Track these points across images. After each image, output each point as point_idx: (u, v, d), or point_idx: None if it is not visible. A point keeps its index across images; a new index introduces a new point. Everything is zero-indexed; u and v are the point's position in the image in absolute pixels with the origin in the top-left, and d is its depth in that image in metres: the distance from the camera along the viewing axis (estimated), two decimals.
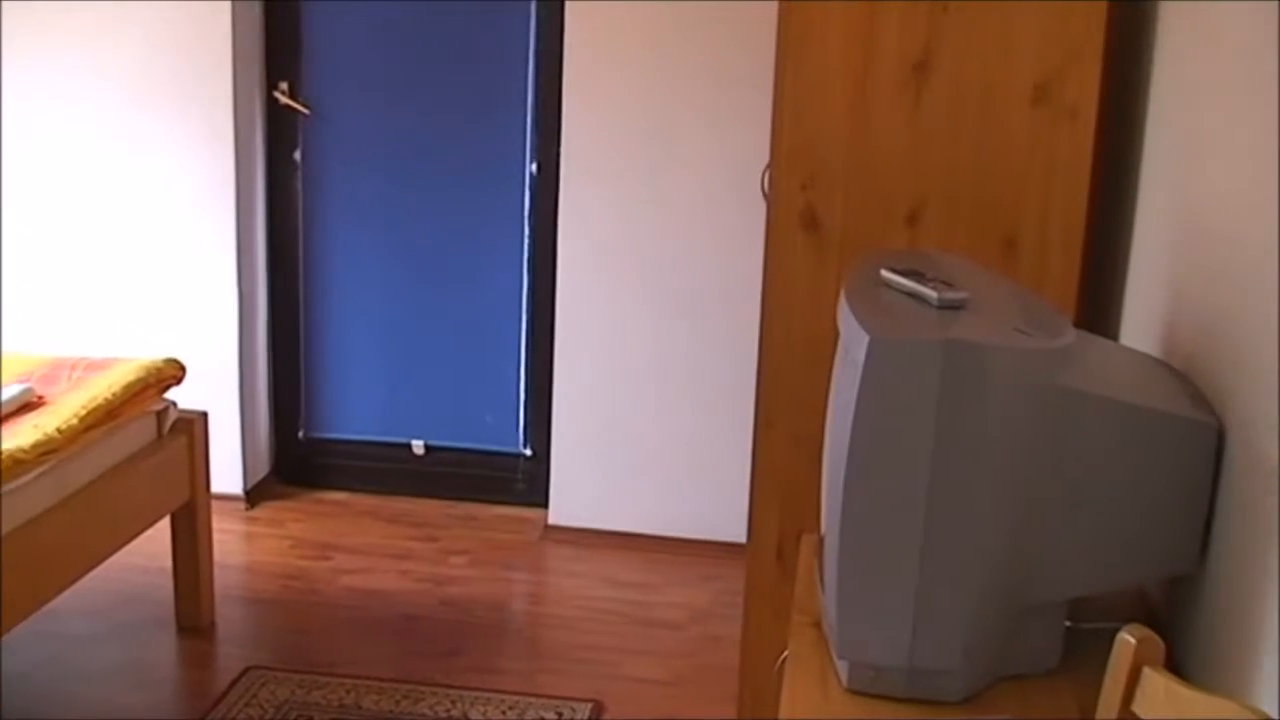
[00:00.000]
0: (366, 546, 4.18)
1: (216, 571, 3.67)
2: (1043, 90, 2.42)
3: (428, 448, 4.53)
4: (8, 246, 4.31)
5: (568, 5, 4.01)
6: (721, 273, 4.03)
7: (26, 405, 3.16)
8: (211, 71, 4.14)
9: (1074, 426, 1.64)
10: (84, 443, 3.08)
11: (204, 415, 3.58)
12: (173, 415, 3.47)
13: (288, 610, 3.79)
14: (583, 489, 4.28)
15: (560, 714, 3.27)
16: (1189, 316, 1.97)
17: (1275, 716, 1.29)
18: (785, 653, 1.85)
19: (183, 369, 3.47)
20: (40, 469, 2.93)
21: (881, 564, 1.63)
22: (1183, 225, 2.09)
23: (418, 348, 4.47)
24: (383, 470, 4.56)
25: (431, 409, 4.51)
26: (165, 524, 3.50)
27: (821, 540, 1.85)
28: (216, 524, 3.71)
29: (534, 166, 4.26)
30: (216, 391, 4.18)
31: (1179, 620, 1.82)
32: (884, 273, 1.81)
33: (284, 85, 4.32)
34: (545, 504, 4.34)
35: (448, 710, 3.24)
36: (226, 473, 4.28)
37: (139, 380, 3.30)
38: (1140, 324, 2.32)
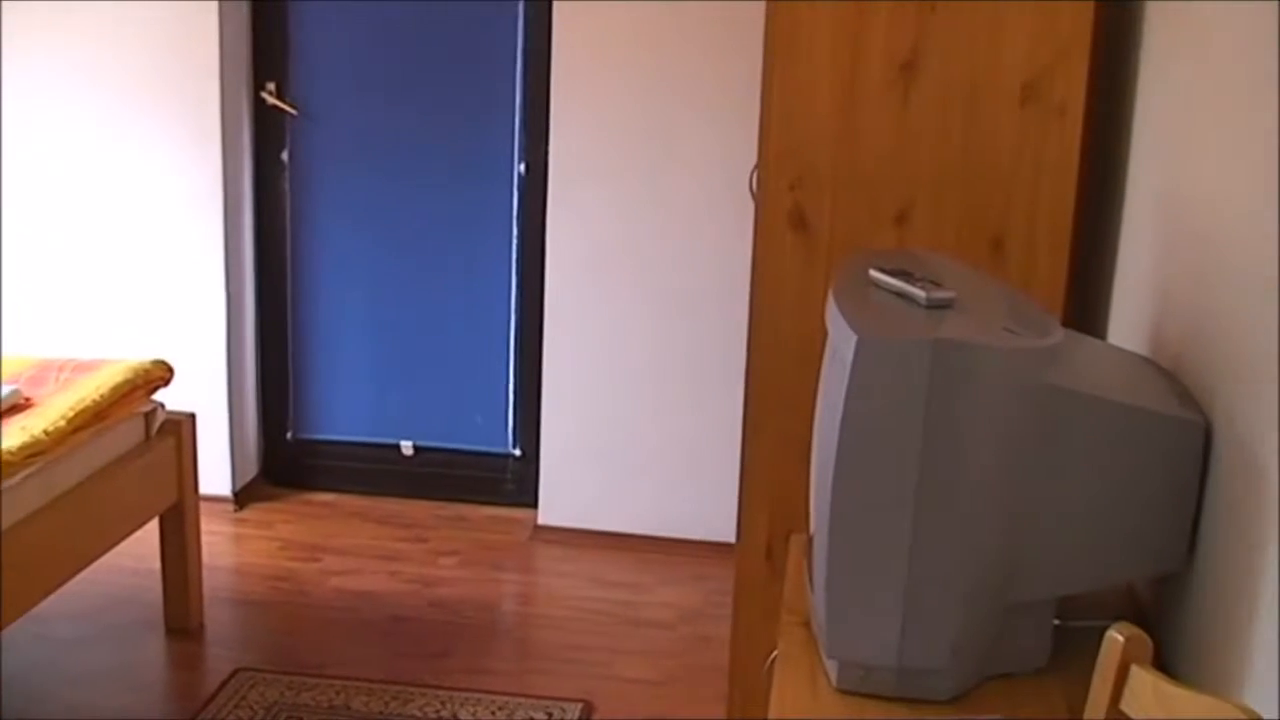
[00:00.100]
0: (355, 548, 4.18)
1: (205, 573, 3.66)
2: (1031, 89, 2.42)
3: (417, 448, 4.53)
4: None
5: (555, 5, 4.00)
6: (711, 273, 4.03)
7: (14, 407, 3.15)
8: (199, 72, 4.13)
9: (1062, 425, 1.64)
10: (72, 444, 3.07)
11: (192, 417, 3.57)
12: (161, 417, 3.46)
13: (277, 612, 3.78)
14: (572, 489, 4.27)
15: (550, 714, 3.26)
16: (1177, 315, 1.98)
17: (1263, 714, 1.29)
18: (775, 652, 1.86)
19: (171, 370, 3.46)
20: (27, 471, 2.92)
21: (870, 563, 1.63)
22: (1170, 224, 2.10)
23: (406, 348, 4.46)
24: (372, 471, 4.55)
25: (420, 410, 4.50)
26: (154, 526, 3.49)
27: (810, 540, 1.85)
28: (205, 526, 3.70)
29: (522, 167, 4.26)
30: (205, 393, 4.18)
31: (1167, 618, 1.82)
32: (872, 273, 1.81)
33: (271, 85, 4.31)
34: (534, 504, 4.33)
35: (437, 711, 3.24)
36: (215, 474, 4.26)
37: (127, 382, 3.30)
38: (1128, 323, 2.33)
